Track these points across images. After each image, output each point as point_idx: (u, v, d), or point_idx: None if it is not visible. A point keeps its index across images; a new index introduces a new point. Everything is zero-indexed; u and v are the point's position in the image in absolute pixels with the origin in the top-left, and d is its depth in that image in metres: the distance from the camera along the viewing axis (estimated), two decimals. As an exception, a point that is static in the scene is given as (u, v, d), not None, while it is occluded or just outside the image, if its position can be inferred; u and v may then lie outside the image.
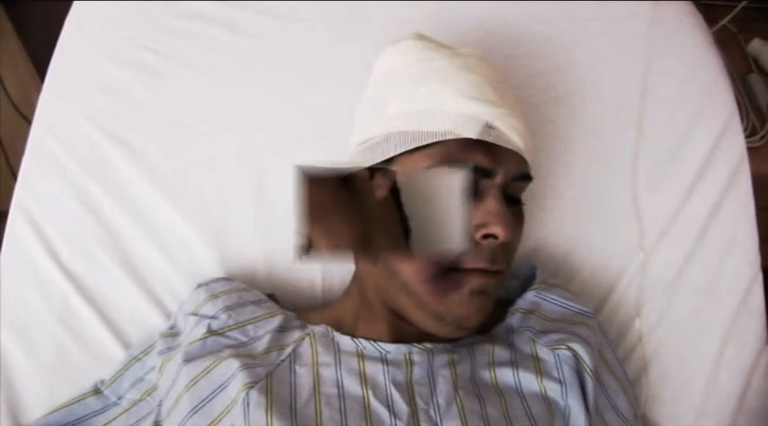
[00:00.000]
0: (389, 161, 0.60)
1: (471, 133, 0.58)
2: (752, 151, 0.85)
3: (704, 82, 0.85)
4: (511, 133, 0.59)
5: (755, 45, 1.12)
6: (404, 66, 0.64)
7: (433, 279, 0.57)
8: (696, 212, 0.79)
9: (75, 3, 0.87)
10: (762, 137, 1.03)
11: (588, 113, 0.84)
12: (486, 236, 0.57)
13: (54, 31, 0.86)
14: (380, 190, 0.60)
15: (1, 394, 0.70)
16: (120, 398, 0.67)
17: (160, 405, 0.63)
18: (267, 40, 0.85)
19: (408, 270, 0.57)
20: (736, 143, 0.82)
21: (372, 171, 0.62)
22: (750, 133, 1.04)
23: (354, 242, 0.60)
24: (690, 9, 0.90)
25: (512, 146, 0.59)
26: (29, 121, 0.81)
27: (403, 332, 0.63)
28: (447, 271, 0.57)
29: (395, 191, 0.57)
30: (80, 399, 0.67)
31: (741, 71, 1.11)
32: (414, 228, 0.56)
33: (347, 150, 0.69)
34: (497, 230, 0.56)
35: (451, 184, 0.55)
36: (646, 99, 0.84)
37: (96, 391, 0.67)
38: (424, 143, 0.58)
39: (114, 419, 0.65)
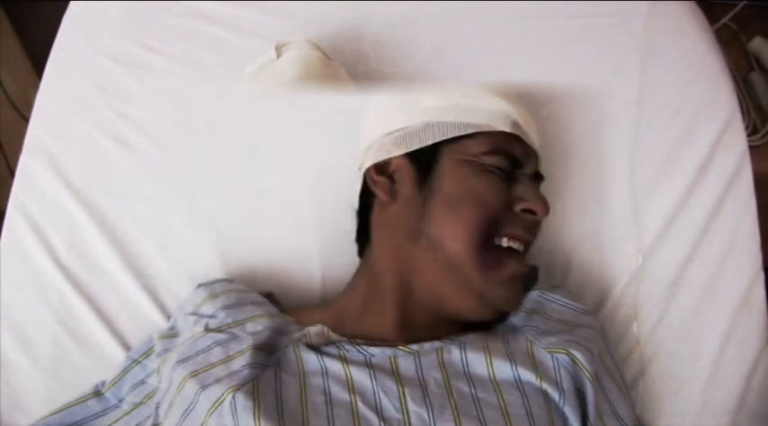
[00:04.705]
0: (431, 147, 0.65)
1: (505, 127, 0.65)
2: (753, 149, 0.85)
3: (705, 80, 0.85)
4: (530, 131, 0.67)
5: (756, 43, 1.11)
6: None
7: (479, 252, 0.62)
8: (697, 211, 0.79)
9: (72, 2, 0.87)
10: (763, 136, 1.03)
11: (588, 113, 0.84)
12: (524, 211, 0.64)
13: (53, 31, 0.85)
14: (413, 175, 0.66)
15: (0, 393, 0.70)
16: (120, 401, 0.67)
17: (158, 408, 0.63)
18: (267, 39, 0.85)
19: (456, 242, 0.62)
20: (738, 141, 0.82)
21: (412, 157, 0.66)
22: (751, 131, 1.03)
23: (390, 225, 0.66)
24: (690, 7, 0.89)
25: (530, 144, 0.67)
26: (27, 120, 0.81)
27: (408, 326, 0.63)
28: (490, 247, 0.63)
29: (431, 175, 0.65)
30: (81, 401, 0.66)
31: (742, 69, 1.11)
32: (462, 200, 0.62)
33: (360, 145, 0.71)
34: (536, 207, 0.64)
35: (499, 167, 0.64)
36: (645, 98, 0.83)
37: (97, 393, 0.67)
38: (464, 133, 0.64)
39: (115, 422, 0.65)
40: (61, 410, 0.66)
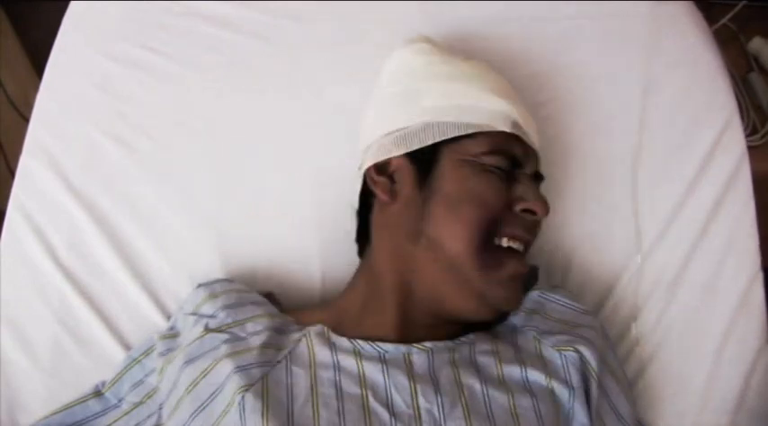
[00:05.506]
0: (431, 147, 0.65)
1: (505, 127, 0.65)
2: (752, 150, 0.84)
3: (704, 81, 0.85)
4: (530, 131, 0.67)
5: (756, 43, 1.11)
6: (426, 65, 0.70)
7: (479, 252, 0.61)
8: (696, 211, 0.79)
9: (72, 1, 0.87)
10: (762, 136, 1.03)
11: (588, 113, 0.84)
12: (524, 211, 0.64)
13: (53, 31, 0.85)
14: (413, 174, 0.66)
15: (0, 393, 0.70)
16: (120, 400, 0.67)
17: (161, 408, 0.63)
18: (267, 39, 0.85)
19: (456, 242, 0.62)
20: (737, 142, 0.82)
21: (412, 157, 0.66)
22: (751, 132, 1.03)
23: (390, 225, 0.66)
24: (690, 8, 0.89)
25: (531, 144, 0.67)
26: (27, 120, 0.81)
27: (408, 326, 0.63)
28: (490, 247, 0.62)
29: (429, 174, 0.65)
30: (81, 401, 0.66)
31: (741, 70, 1.10)
32: (462, 200, 0.62)
33: (360, 145, 0.71)
34: (536, 207, 0.64)
35: (499, 167, 0.64)
36: (646, 98, 0.83)
37: (97, 393, 0.67)
38: (464, 133, 0.64)
39: (115, 421, 0.65)
40: (61, 410, 0.66)
